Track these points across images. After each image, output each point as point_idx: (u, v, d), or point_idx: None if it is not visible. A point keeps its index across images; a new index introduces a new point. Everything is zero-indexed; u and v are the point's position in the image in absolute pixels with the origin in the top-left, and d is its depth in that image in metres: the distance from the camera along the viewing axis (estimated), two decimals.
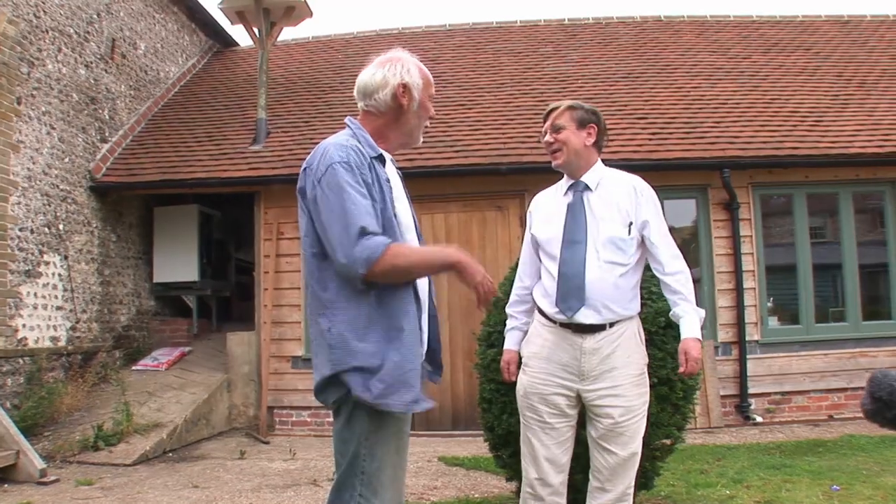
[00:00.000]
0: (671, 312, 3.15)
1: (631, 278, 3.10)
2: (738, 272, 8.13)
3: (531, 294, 3.27)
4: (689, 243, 8.68)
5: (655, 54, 11.00)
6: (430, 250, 2.47)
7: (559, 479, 3.10)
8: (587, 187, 3.15)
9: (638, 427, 3.05)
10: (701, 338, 3.04)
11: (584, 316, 2.99)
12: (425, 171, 8.28)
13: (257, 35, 9.95)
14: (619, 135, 8.57)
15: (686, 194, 8.48)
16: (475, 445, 6.72)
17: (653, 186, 8.77)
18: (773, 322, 8.42)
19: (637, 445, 3.06)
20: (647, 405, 3.11)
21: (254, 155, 9.08)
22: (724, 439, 7.12)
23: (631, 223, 3.07)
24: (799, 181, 8.37)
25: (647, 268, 4.06)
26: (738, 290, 8.11)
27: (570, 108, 3.17)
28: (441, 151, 8.55)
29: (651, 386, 3.77)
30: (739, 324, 8.07)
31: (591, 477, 3.11)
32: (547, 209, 3.25)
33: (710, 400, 7.80)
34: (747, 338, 8.06)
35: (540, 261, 3.22)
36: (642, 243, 3.13)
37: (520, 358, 3.29)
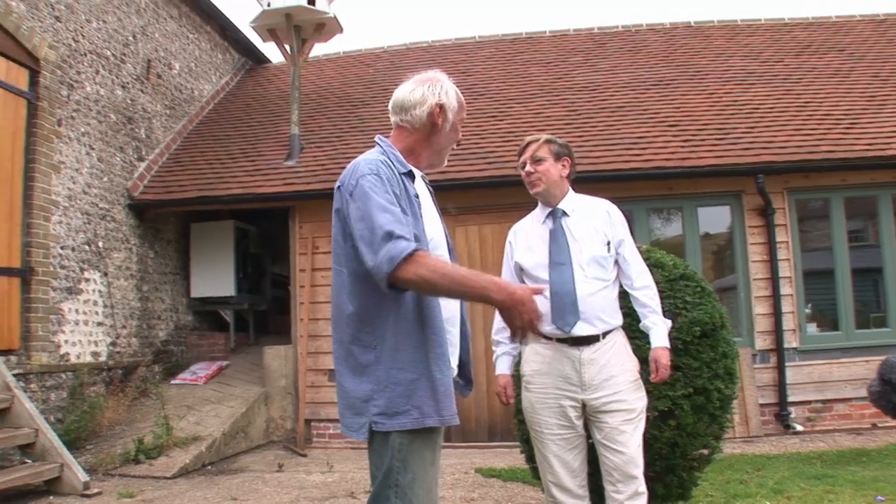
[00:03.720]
0: (641, 324, 3.38)
1: (613, 292, 3.33)
2: (774, 279, 8.03)
3: None
4: (724, 250, 8.61)
5: (686, 60, 10.93)
6: (468, 271, 2.19)
7: (574, 482, 3.27)
8: (565, 213, 3.37)
9: (639, 426, 3.23)
10: (669, 346, 3.31)
11: (581, 329, 3.19)
12: (458, 184, 8.33)
13: (289, 52, 10.09)
14: (650, 143, 8.54)
15: (720, 201, 8.41)
16: (511, 457, 6.71)
17: (686, 194, 8.68)
18: (812, 329, 8.30)
19: (640, 441, 3.22)
20: (645, 407, 3.29)
21: (288, 170, 9.20)
22: (763, 448, 7.03)
23: (609, 242, 3.31)
24: (836, 185, 8.25)
25: (682, 277, 4.09)
26: (776, 297, 8.00)
27: (548, 141, 3.41)
28: (474, 164, 8.59)
29: (687, 396, 3.81)
30: (777, 331, 7.96)
31: (605, 482, 3.24)
32: (527, 238, 3.46)
33: (748, 408, 7.70)
34: (785, 345, 7.94)
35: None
36: (616, 261, 3.36)
37: (515, 380, 3.49)
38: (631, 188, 8.21)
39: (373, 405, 2.23)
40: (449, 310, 2.39)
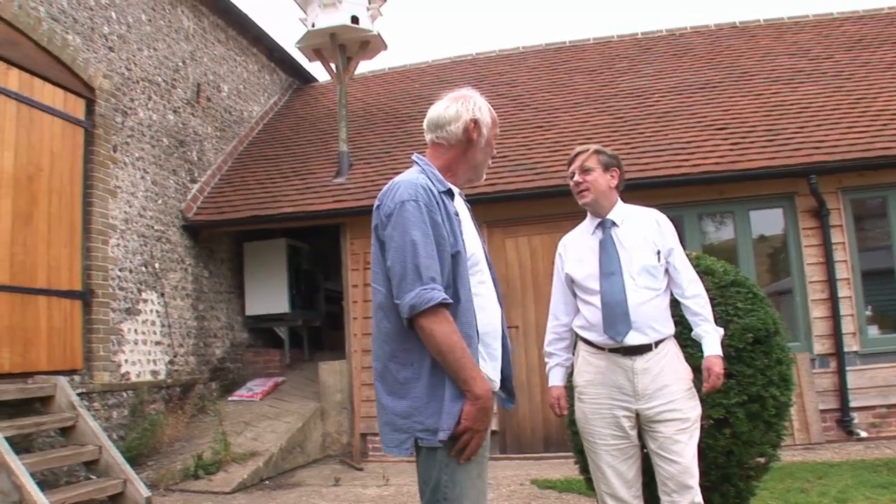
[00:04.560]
0: (693, 332, 3.35)
1: (664, 300, 3.31)
2: (831, 281, 7.84)
3: (569, 330, 3.48)
4: (779, 253, 8.44)
5: (732, 62, 10.78)
6: (469, 358, 2.22)
7: (629, 493, 3.24)
8: (614, 223, 3.37)
9: (693, 435, 3.20)
10: (722, 354, 3.28)
11: (633, 338, 3.18)
12: (507, 195, 8.34)
13: (335, 70, 10.25)
14: (699, 147, 8.44)
15: (772, 204, 8.25)
16: (567, 468, 6.65)
17: (737, 197, 8.58)
18: (874, 331, 8.06)
19: (695, 450, 3.20)
20: (699, 416, 3.26)
21: (338, 187, 9.32)
22: (825, 456, 6.86)
23: (659, 251, 3.31)
24: (893, 182, 8.00)
25: (732, 284, 4.04)
26: (833, 300, 7.81)
27: (597, 152, 3.42)
28: (521, 175, 8.59)
29: (741, 403, 3.76)
30: (836, 334, 7.76)
31: (660, 492, 3.21)
32: (577, 249, 3.46)
33: (808, 415, 7.53)
34: (845, 349, 7.73)
35: (575, 297, 3.42)
36: (666, 270, 3.35)
37: (568, 392, 3.47)
38: (681, 194, 8.13)
39: (415, 421, 2.25)
40: (489, 324, 2.40)
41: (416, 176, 2.39)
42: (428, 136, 2.56)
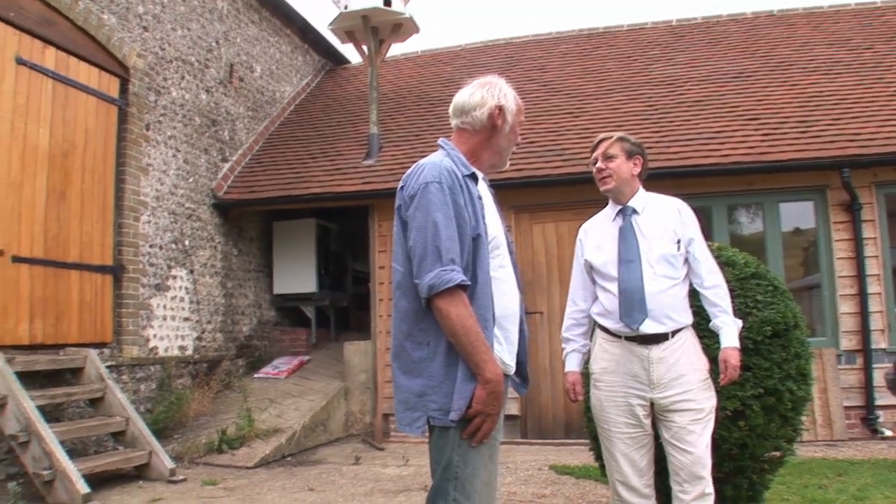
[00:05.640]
0: (711, 323, 3.33)
1: (682, 290, 3.30)
2: (861, 276, 7.72)
3: (587, 316, 3.48)
4: (808, 247, 8.34)
5: (768, 51, 10.60)
6: (483, 341, 2.24)
7: (641, 481, 3.26)
8: (635, 211, 3.38)
9: (707, 426, 3.20)
10: (739, 346, 3.27)
11: (649, 327, 3.18)
12: (535, 181, 8.32)
13: (367, 52, 10.27)
14: (729, 137, 8.34)
15: (802, 196, 8.12)
16: (586, 454, 6.63)
17: (767, 189, 8.45)
18: None
19: (708, 441, 3.20)
20: (714, 407, 3.26)
21: (367, 169, 9.37)
22: (847, 453, 6.79)
23: (679, 241, 3.30)
24: None
25: (753, 276, 4.02)
26: (862, 296, 7.69)
27: (621, 139, 3.43)
28: (550, 161, 8.57)
29: (757, 396, 3.75)
30: (864, 331, 7.65)
31: (671, 482, 3.22)
32: (597, 236, 3.46)
33: (832, 411, 7.45)
34: (873, 346, 7.63)
35: (594, 284, 3.42)
36: (686, 260, 3.34)
37: (584, 378, 3.50)
38: (710, 184, 8.04)
39: (429, 400, 2.30)
40: (507, 307, 2.43)
41: (441, 159, 2.43)
42: (453, 122, 2.59)
